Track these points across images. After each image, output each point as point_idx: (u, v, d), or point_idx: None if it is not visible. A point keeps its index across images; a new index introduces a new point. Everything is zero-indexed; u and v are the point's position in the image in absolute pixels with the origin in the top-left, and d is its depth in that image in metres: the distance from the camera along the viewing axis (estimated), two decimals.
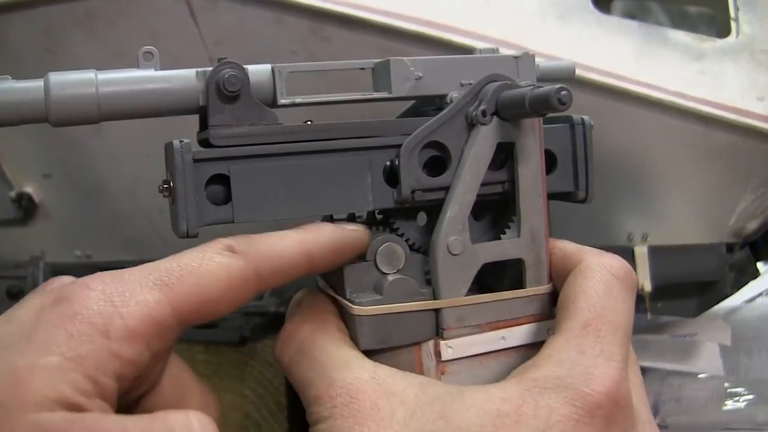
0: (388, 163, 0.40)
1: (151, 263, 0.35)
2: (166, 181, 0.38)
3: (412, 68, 0.42)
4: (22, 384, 0.30)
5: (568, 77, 0.47)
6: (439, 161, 0.41)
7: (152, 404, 0.37)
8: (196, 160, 0.37)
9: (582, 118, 0.44)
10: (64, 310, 0.33)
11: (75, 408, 0.30)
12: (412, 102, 0.45)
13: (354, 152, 0.40)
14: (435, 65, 0.42)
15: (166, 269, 0.35)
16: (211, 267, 0.35)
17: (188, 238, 0.38)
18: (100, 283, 0.34)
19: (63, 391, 0.30)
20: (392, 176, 0.40)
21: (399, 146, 0.40)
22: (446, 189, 0.40)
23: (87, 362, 0.31)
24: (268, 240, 0.37)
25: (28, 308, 0.34)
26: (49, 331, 0.32)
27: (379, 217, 0.43)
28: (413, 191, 0.40)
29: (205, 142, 0.39)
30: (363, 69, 0.43)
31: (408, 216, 0.42)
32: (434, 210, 0.41)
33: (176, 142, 0.37)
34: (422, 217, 0.43)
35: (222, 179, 0.38)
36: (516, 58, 0.43)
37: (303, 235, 0.38)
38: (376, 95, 0.42)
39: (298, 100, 0.41)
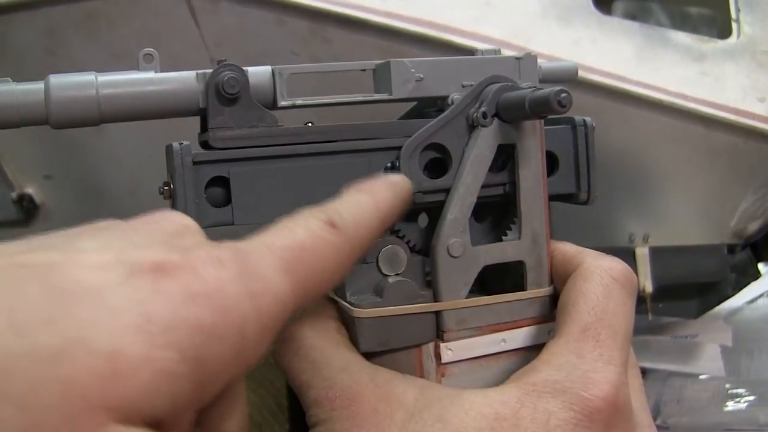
0: (389, 165, 0.40)
1: (258, 237, 0.30)
2: (166, 183, 0.38)
3: (412, 69, 0.42)
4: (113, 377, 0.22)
5: (570, 78, 0.47)
6: (439, 163, 0.41)
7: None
8: (195, 163, 0.37)
9: (584, 120, 0.44)
10: (184, 285, 0.25)
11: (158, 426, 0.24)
12: (413, 103, 0.45)
13: (354, 154, 0.40)
14: (436, 66, 0.42)
15: (285, 248, 0.29)
16: (321, 247, 0.30)
17: None
18: (231, 258, 0.27)
19: (156, 401, 0.23)
20: None
21: (399, 148, 0.40)
22: (447, 191, 0.40)
23: (205, 368, 0.25)
24: (354, 211, 0.33)
25: (124, 257, 0.25)
26: (159, 310, 0.24)
27: None
28: (413, 193, 0.40)
29: (205, 144, 0.39)
30: (364, 70, 0.43)
31: (409, 218, 0.42)
32: (435, 212, 0.41)
33: (176, 145, 0.37)
34: (423, 219, 0.43)
35: (222, 181, 0.38)
36: (518, 59, 0.43)
37: (374, 198, 0.34)
38: (377, 97, 0.42)
39: (299, 101, 0.41)
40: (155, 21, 0.70)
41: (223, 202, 0.38)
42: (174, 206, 0.38)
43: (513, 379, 0.37)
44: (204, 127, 0.39)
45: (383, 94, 0.42)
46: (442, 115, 0.40)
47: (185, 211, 0.37)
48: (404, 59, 0.42)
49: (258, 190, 0.38)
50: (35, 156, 0.84)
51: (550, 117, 0.40)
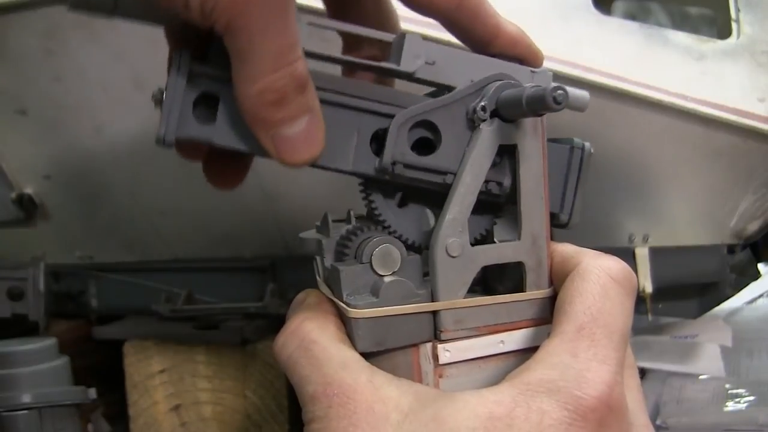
0: (378, 130, 0.40)
1: None
2: (161, 90, 0.38)
3: (426, 48, 0.41)
4: None
5: (580, 107, 0.45)
6: (428, 145, 0.41)
7: None
8: (192, 73, 0.37)
9: (583, 144, 0.44)
10: None
11: None
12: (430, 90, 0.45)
13: (346, 110, 0.40)
14: (452, 56, 0.42)
15: None
16: None
17: (164, 145, 0.38)
18: None
19: None
20: (378, 145, 0.40)
21: (393, 116, 0.40)
22: (428, 170, 0.40)
23: None
24: None
25: None
26: None
27: (360, 186, 0.42)
28: (395, 163, 0.40)
29: (206, 58, 0.39)
30: (382, 41, 0.43)
31: (385, 194, 0.42)
32: (412, 192, 0.41)
33: (179, 51, 0.37)
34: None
35: (212, 100, 0.38)
36: (533, 72, 0.43)
37: None
38: (383, 65, 0.42)
39: (305, 47, 0.40)
40: None
41: (207, 120, 0.38)
42: (161, 112, 0.37)
43: (507, 379, 0.37)
44: (210, 42, 0.39)
45: (391, 64, 0.42)
46: (442, 97, 0.41)
47: (168, 118, 0.37)
48: (421, 35, 0.41)
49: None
50: (35, 156, 0.84)
51: (552, 138, 0.40)
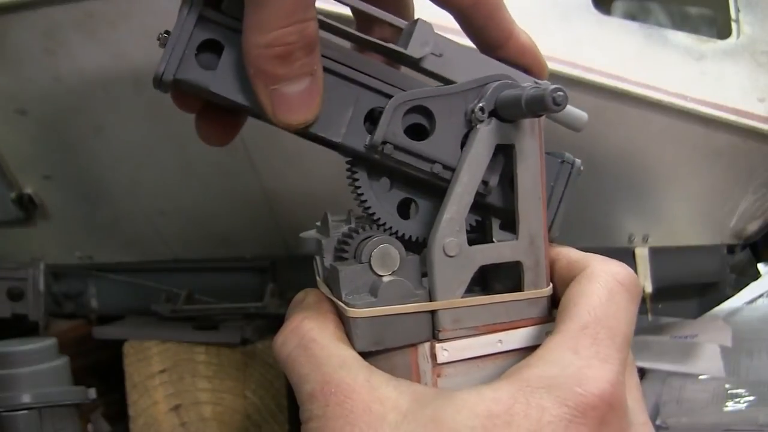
0: (375, 109, 0.40)
1: None
2: (168, 31, 0.38)
3: (435, 39, 0.41)
4: None
5: (577, 127, 0.45)
6: (420, 133, 0.41)
7: None
8: (202, 16, 0.38)
9: (574, 159, 0.44)
10: None
11: None
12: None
13: (347, 82, 0.40)
14: (459, 52, 0.42)
15: None
16: None
17: (160, 86, 0.38)
18: None
19: None
20: (372, 123, 0.40)
21: (391, 97, 0.40)
22: (417, 156, 0.40)
23: None
24: None
25: None
26: None
27: (347, 164, 0.42)
28: (385, 142, 0.40)
29: (219, 6, 0.39)
30: (394, 26, 0.43)
31: (370, 175, 0.42)
32: (398, 175, 0.41)
33: None
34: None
35: (217, 49, 0.38)
36: (537, 83, 0.43)
37: None
38: (391, 46, 0.42)
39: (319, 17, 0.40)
40: (155, 21, 0.70)
41: (208, 66, 0.38)
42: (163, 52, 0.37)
43: (506, 376, 0.36)
44: None
45: (398, 46, 0.42)
46: (443, 87, 0.41)
47: (170, 56, 0.37)
48: (434, 25, 0.41)
49: (246, 69, 0.38)
50: (35, 156, 0.84)
51: (549, 152, 0.41)
